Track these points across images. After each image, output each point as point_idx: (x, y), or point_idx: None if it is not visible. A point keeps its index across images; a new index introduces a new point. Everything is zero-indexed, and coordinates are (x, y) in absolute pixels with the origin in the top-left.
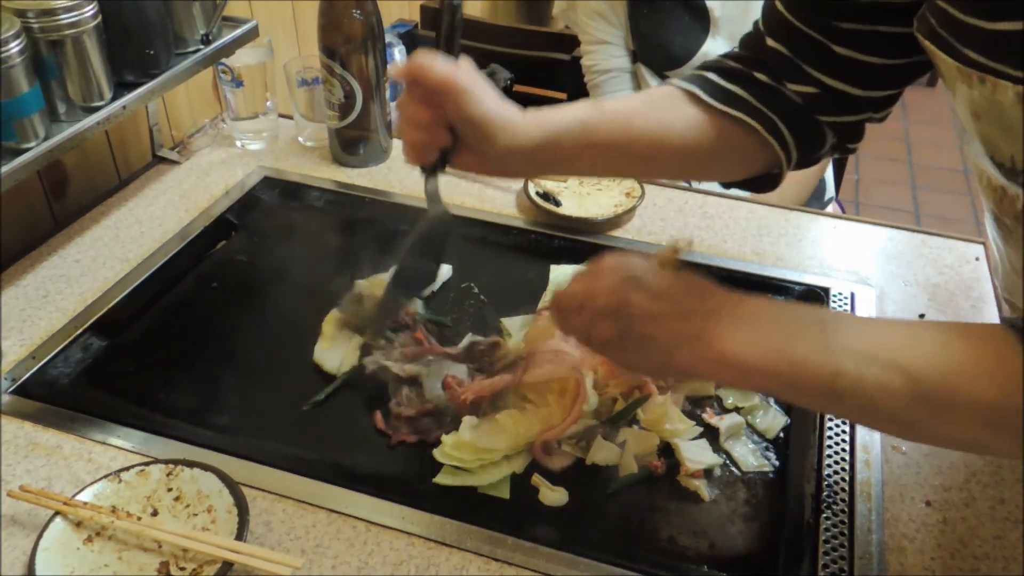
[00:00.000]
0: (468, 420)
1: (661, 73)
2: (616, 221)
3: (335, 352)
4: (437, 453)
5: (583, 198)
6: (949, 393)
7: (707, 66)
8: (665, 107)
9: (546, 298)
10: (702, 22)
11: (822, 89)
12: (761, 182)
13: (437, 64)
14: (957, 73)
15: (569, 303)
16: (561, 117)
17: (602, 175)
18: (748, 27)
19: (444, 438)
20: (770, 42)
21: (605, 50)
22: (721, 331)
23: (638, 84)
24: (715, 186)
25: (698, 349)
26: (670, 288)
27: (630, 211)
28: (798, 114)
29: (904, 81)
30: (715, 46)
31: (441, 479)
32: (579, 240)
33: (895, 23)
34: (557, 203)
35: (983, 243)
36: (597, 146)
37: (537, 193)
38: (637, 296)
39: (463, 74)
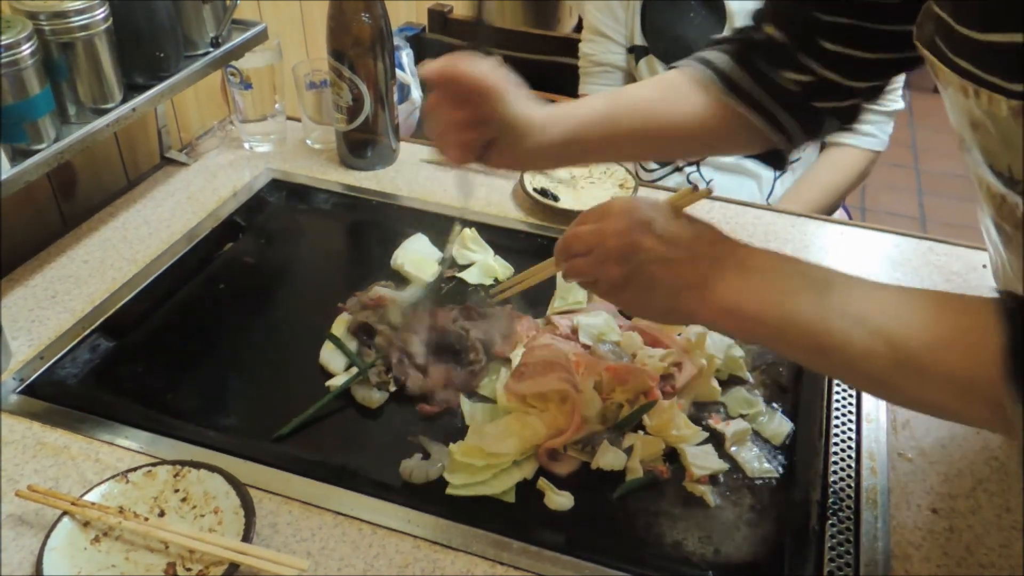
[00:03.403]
0: (474, 424)
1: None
2: None
3: (342, 355)
4: (446, 472)
5: (579, 192)
6: (926, 362)
7: (714, 49)
8: (680, 96)
9: (554, 304)
10: (717, 16)
11: (815, 78)
12: (770, 158)
13: (475, 65)
14: (954, 83)
15: (576, 245)
16: (586, 111)
17: (617, 161)
18: None
19: (452, 446)
20: (767, 28)
21: (604, 43)
22: (725, 279)
23: (628, 82)
24: (722, 191)
25: (702, 295)
26: (680, 233)
27: None
28: (795, 100)
29: (895, 72)
30: None
31: (453, 489)
32: None
33: (882, 21)
34: (555, 198)
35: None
36: (620, 136)
37: (535, 189)
38: (647, 239)
39: (495, 76)
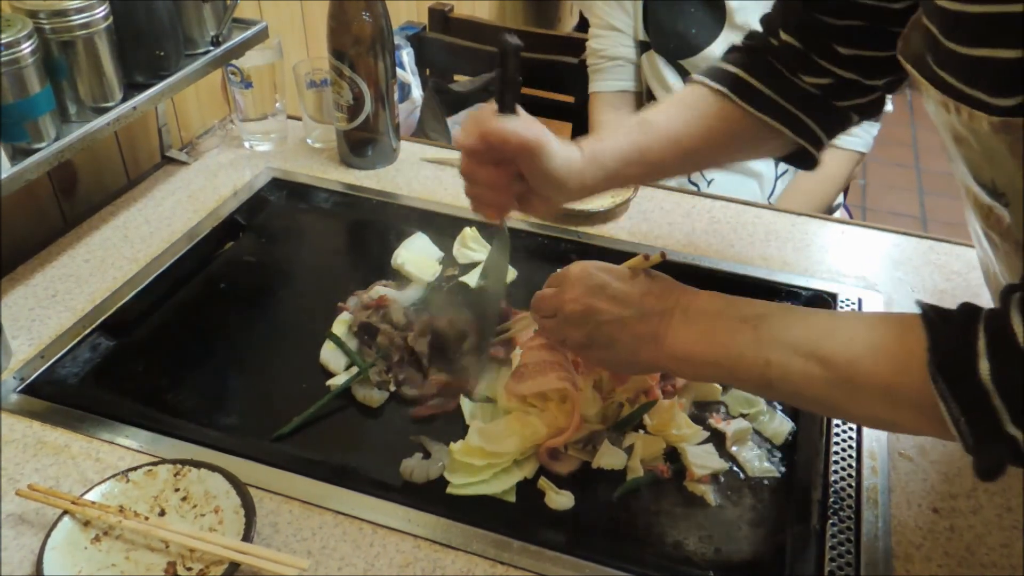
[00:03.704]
0: (474, 423)
1: (674, 61)
2: (614, 212)
3: (342, 354)
4: (447, 472)
5: None
6: (854, 376)
7: (729, 59)
8: (703, 114)
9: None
10: (717, 13)
11: (835, 79)
12: (799, 159)
13: (510, 127)
14: (935, 98)
15: (542, 308)
16: (615, 145)
17: (650, 181)
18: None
19: (452, 446)
20: (784, 35)
21: (614, 37)
22: (673, 329)
23: (640, 75)
24: (723, 191)
25: (657, 346)
26: (631, 293)
27: (626, 202)
28: (818, 103)
29: None
30: (730, 36)
31: (454, 488)
32: (586, 243)
33: (892, 23)
34: None
35: None
36: (654, 167)
37: None
38: (601, 303)
39: (534, 131)
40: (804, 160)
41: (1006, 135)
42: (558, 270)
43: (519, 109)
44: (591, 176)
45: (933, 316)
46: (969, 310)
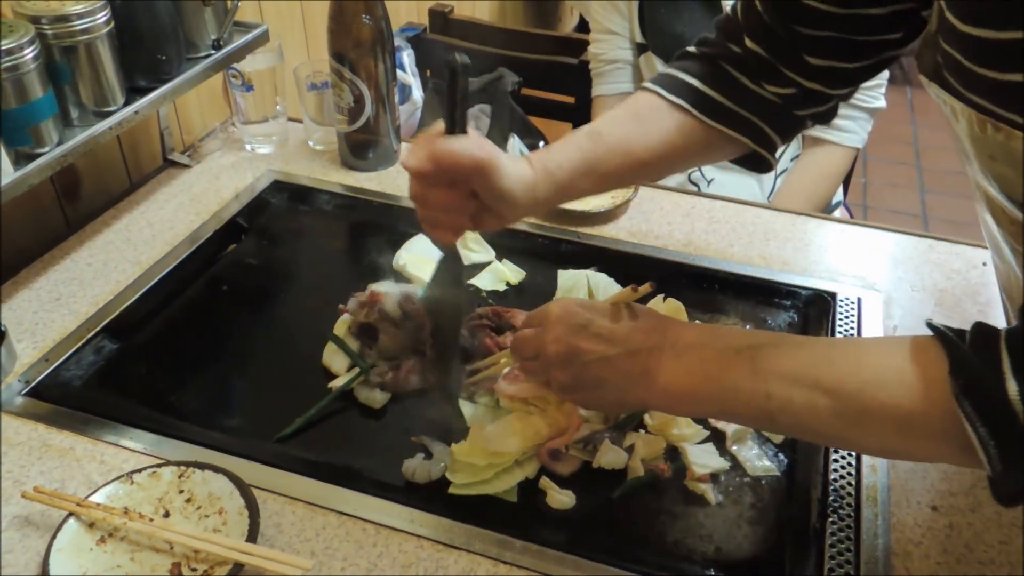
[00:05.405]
0: (476, 424)
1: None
2: (614, 213)
3: (345, 355)
4: (449, 472)
5: None
6: (866, 405)
7: (684, 67)
8: (655, 123)
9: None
10: (713, 13)
11: (798, 89)
12: (752, 162)
13: (462, 147)
14: (966, 116)
15: (524, 350)
16: (566, 159)
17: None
18: None
19: (454, 446)
20: (749, 43)
21: (613, 40)
22: (663, 366)
23: (640, 76)
24: (723, 190)
25: (647, 385)
26: (616, 330)
27: (626, 203)
28: (777, 111)
29: (875, 74)
30: None
31: (456, 488)
32: (585, 244)
33: (866, 33)
34: None
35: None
36: (602, 175)
37: None
38: (585, 342)
39: (486, 150)
40: (758, 164)
41: None
42: (536, 309)
43: (469, 128)
44: (543, 191)
45: (950, 337)
46: (985, 330)
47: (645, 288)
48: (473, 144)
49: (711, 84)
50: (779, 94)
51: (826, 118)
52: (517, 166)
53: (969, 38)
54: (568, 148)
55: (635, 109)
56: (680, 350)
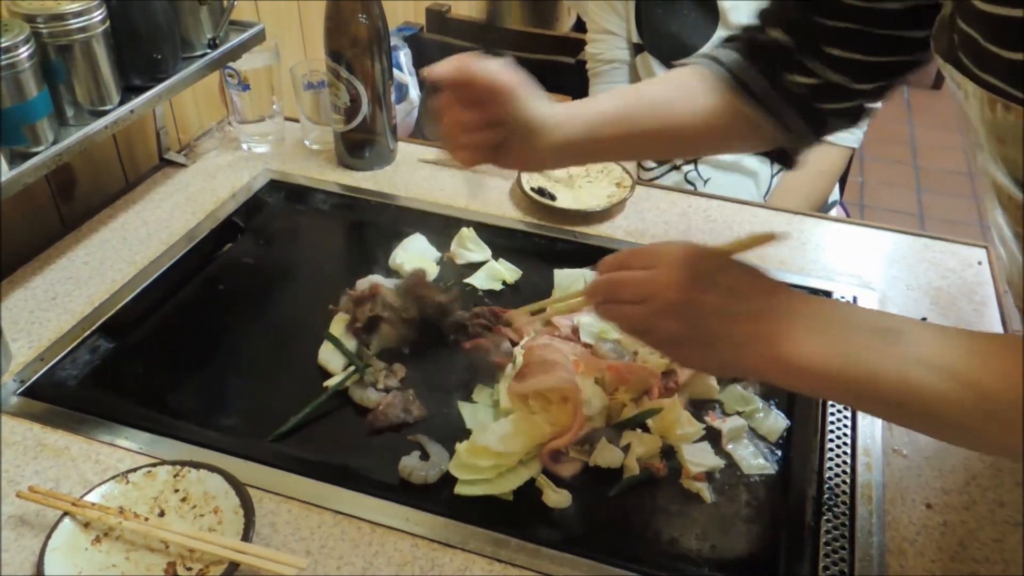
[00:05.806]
0: (479, 424)
1: (668, 62)
2: (611, 212)
3: (341, 354)
4: (452, 467)
5: (576, 191)
6: (1016, 407)
7: (726, 50)
8: (693, 95)
9: (557, 306)
10: (710, 14)
11: (820, 80)
12: (779, 156)
13: (487, 66)
14: (979, 96)
15: (625, 292)
16: (602, 109)
17: (626, 159)
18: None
19: (458, 447)
20: (773, 32)
21: (610, 40)
22: (790, 337)
23: (636, 76)
24: (719, 190)
25: (765, 351)
26: (740, 286)
27: (622, 201)
28: (802, 102)
29: (901, 74)
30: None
31: (461, 489)
32: (582, 243)
33: (887, 26)
34: (552, 197)
35: (986, 247)
36: (635, 135)
37: (532, 189)
38: (709, 295)
39: (512, 74)
40: (783, 159)
41: None
42: (636, 248)
43: (506, 56)
44: (567, 132)
45: None
46: None
47: (769, 235)
48: (497, 67)
49: (741, 63)
50: (801, 84)
51: (853, 118)
52: (547, 102)
53: (987, 16)
54: (602, 99)
55: (671, 78)
56: (808, 321)
